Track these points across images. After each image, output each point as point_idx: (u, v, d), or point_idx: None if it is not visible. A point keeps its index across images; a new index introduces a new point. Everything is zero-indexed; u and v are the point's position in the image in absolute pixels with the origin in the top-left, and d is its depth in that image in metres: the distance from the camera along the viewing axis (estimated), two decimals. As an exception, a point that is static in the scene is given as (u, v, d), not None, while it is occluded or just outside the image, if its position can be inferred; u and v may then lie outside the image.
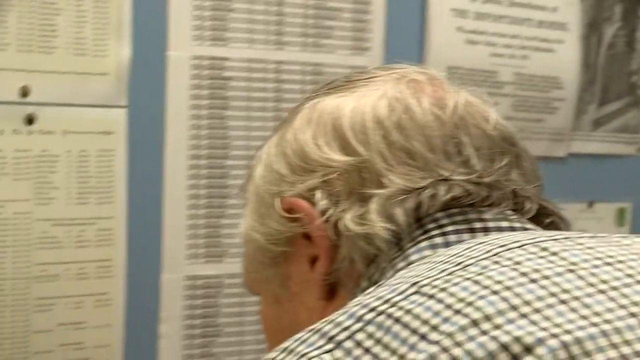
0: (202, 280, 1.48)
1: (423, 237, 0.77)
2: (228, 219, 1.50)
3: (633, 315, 0.62)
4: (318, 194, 0.80)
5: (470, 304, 0.63)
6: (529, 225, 0.78)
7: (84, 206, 1.38)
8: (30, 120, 1.33)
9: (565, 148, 1.76)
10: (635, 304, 0.63)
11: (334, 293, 0.81)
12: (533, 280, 0.64)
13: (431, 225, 0.77)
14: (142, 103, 1.41)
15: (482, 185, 0.77)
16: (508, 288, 0.64)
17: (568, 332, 0.60)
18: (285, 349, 0.65)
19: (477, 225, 0.77)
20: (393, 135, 0.79)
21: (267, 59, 1.51)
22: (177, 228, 1.46)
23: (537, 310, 0.62)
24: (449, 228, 0.77)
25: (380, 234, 0.77)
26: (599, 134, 1.80)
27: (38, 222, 1.34)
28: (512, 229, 0.77)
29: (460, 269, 0.67)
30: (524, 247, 0.68)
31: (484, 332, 0.60)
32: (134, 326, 1.41)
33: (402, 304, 0.64)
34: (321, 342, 0.64)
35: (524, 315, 0.62)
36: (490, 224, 0.77)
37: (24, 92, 1.32)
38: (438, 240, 0.77)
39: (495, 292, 0.63)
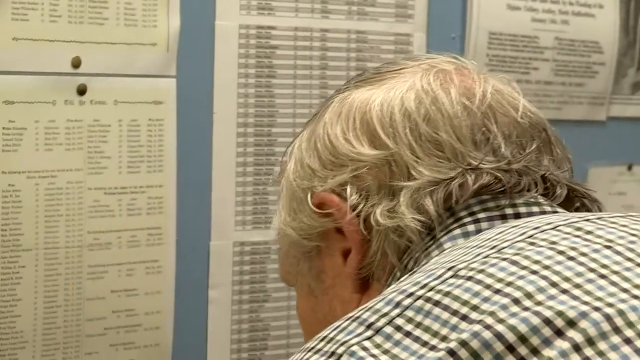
0: (250, 246, 1.49)
1: (455, 224, 0.78)
2: (274, 186, 1.47)
3: None
4: (349, 189, 0.80)
5: (510, 283, 0.63)
6: (560, 210, 0.78)
7: (134, 175, 1.38)
8: (81, 91, 1.33)
9: (605, 112, 1.76)
10: None
11: (367, 285, 0.81)
12: (571, 258, 0.65)
13: (463, 213, 0.77)
14: (191, 73, 1.41)
15: (511, 172, 0.77)
16: (546, 267, 0.64)
17: (610, 305, 0.60)
18: (324, 338, 0.66)
19: (509, 211, 0.77)
20: (421, 128, 0.79)
21: (313, 27, 1.51)
22: (226, 196, 1.47)
23: (577, 286, 0.62)
24: (481, 215, 0.77)
25: (411, 226, 0.77)
26: (638, 97, 1.80)
27: (90, 191, 1.35)
28: (544, 213, 0.77)
29: (495, 251, 0.67)
30: (558, 228, 0.69)
31: (526, 309, 0.60)
32: (184, 292, 1.42)
33: (440, 287, 0.65)
34: (360, 330, 0.64)
35: (565, 291, 0.62)
36: (522, 209, 0.77)
37: (75, 64, 1.31)
38: (470, 227, 0.77)
39: (534, 272, 0.63)
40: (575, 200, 0.82)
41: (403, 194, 0.78)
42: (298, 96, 1.51)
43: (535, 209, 0.77)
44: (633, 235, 0.67)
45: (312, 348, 0.66)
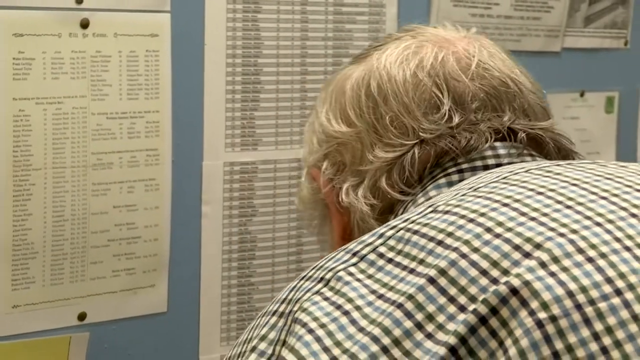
0: (239, 166, 1.48)
1: (441, 174, 0.78)
2: (261, 111, 1.49)
3: (634, 215, 0.64)
4: (325, 163, 0.83)
5: (483, 214, 0.65)
6: (538, 158, 0.80)
7: (133, 101, 1.37)
8: (84, 24, 1.32)
9: (559, 43, 1.75)
10: (635, 206, 0.65)
11: None
12: (540, 193, 0.67)
13: (449, 164, 0.79)
14: (184, 8, 1.40)
15: (458, 133, 0.78)
16: (517, 200, 0.66)
17: (574, 231, 0.63)
18: (316, 266, 0.67)
19: (465, 166, 0.78)
20: (380, 107, 0.80)
21: (295, -34, 1.48)
22: (216, 120, 1.46)
23: (545, 215, 0.64)
24: (464, 165, 0.79)
25: (363, 209, 0.80)
26: (590, 29, 1.78)
27: (93, 115, 1.34)
28: (499, 165, 0.78)
29: (472, 190, 0.69)
30: (530, 170, 0.71)
31: (498, 235, 0.63)
32: (179, 208, 1.43)
33: (419, 220, 0.67)
34: (347, 257, 0.67)
35: (533, 219, 0.64)
36: (478, 163, 0.78)
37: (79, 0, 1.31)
38: (454, 177, 0.78)
39: (505, 204, 0.65)
40: (544, 145, 0.82)
41: (366, 176, 0.80)
42: (281, 29, 1.49)
43: (491, 161, 0.78)
44: (598, 176, 0.69)
45: (305, 276, 0.67)
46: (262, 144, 1.51)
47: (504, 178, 0.70)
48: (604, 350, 0.57)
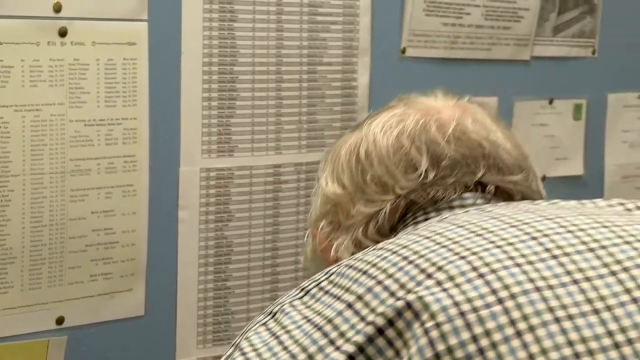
0: (215, 172, 1.49)
1: (412, 221, 0.86)
2: (237, 118, 1.50)
3: (534, 238, 0.71)
4: (322, 222, 0.91)
5: (405, 246, 0.73)
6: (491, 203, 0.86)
7: (111, 108, 1.37)
8: (62, 33, 1.32)
9: (529, 52, 1.77)
10: (539, 231, 0.72)
11: None
12: (460, 226, 0.74)
13: (419, 212, 0.86)
14: (161, 17, 1.40)
15: (428, 188, 0.86)
16: (439, 233, 0.74)
17: (474, 253, 0.70)
18: (276, 300, 0.77)
19: (431, 215, 0.85)
20: (365, 166, 0.88)
21: (270, -24, 1.50)
22: (193, 127, 1.46)
23: (456, 242, 0.72)
24: (432, 214, 0.85)
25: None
26: (559, 38, 1.80)
27: (71, 122, 1.34)
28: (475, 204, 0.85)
29: (413, 229, 0.79)
30: (468, 211, 0.80)
31: (411, 262, 0.71)
32: (156, 213, 1.43)
33: (360, 256, 0.75)
34: (296, 292, 0.75)
35: (444, 247, 0.72)
36: (433, 213, 0.85)
37: (57, 8, 1.31)
38: (420, 218, 0.86)
39: (427, 237, 0.73)
40: (514, 197, 0.89)
41: (351, 231, 0.88)
42: (257, 38, 1.50)
43: (458, 210, 0.85)
44: (524, 211, 0.76)
45: (264, 310, 0.76)
46: (238, 150, 1.51)
47: (444, 219, 0.79)
48: (481, 350, 0.63)
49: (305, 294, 0.75)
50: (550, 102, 1.82)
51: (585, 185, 1.89)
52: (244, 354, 0.72)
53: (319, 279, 0.75)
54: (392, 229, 0.86)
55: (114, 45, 1.37)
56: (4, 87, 1.29)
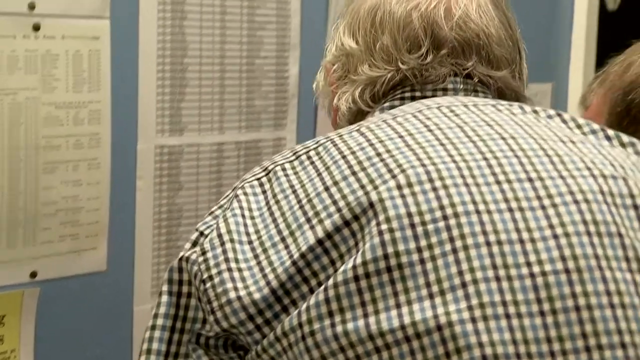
0: (168, 148, 1.51)
1: (398, 96, 0.83)
2: (186, 102, 1.53)
3: (485, 159, 0.70)
4: (336, 65, 0.88)
5: (381, 141, 0.72)
6: (470, 97, 0.82)
7: (78, 93, 1.39)
8: (36, 27, 1.34)
9: None
10: (491, 151, 0.71)
11: None
12: (430, 130, 0.73)
13: (406, 89, 0.83)
14: (121, 15, 1.43)
15: (423, 70, 0.83)
16: (410, 134, 0.73)
17: (434, 163, 0.69)
18: (271, 158, 0.76)
19: (417, 94, 0.83)
20: (378, 32, 0.84)
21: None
22: (149, 109, 1.48)
23: (421, 147, 0.71)
24: (417, 93, 0.83)
25: (342, 109, 0.86)
26: None
27: (44, 105, 1.36)
28: (456, 93, 0.83)
29: (390, 118, 0.75)
30: (440, 107, 0.77)
31: (382, 160, 0.70)
32: (117, 183, 1.46)
33: (344, 135, 0.74)
34: (288, 154, 0.75)
35: (411, 149, 0.70)
36: (428, 94, 0.83)
37: (31, 6, 1.34)
38: (397, 102, 0.83)
39: (400, 136, 0.73)
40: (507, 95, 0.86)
41: (353, 86, 0.85)
42: (204, 34, 1.52)
43: (440, 93, 0.83)
44: (483, 121, 0.75)
45: (260, 164, 0.77)
46: (187, 130, 1.53)
47: (419, 111, 0.76)
48: (422, 260, 0.66)
49: (296, 159, 0.73)
50: None
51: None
52: (242, 210, 0.72)
53: (309, 146, 0.74)
54: (383, 95, 0.84)
55: (81, 39, 1.39)
56: (-16, 75, 1.32)
